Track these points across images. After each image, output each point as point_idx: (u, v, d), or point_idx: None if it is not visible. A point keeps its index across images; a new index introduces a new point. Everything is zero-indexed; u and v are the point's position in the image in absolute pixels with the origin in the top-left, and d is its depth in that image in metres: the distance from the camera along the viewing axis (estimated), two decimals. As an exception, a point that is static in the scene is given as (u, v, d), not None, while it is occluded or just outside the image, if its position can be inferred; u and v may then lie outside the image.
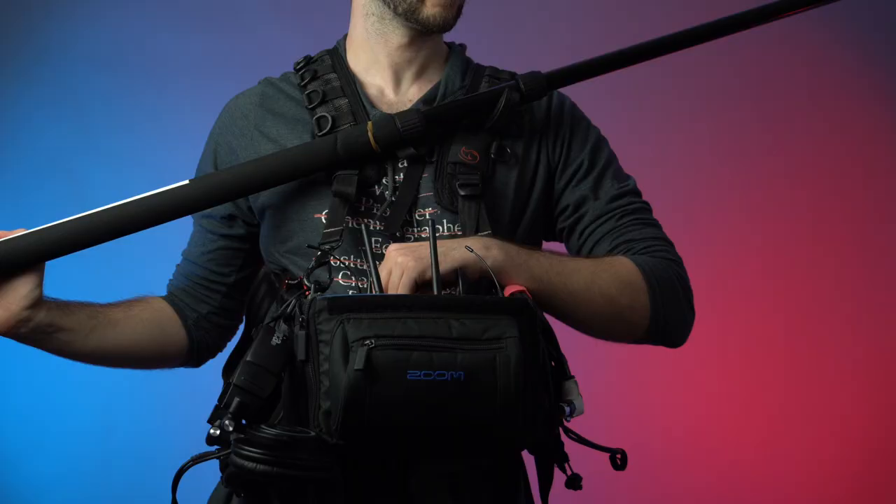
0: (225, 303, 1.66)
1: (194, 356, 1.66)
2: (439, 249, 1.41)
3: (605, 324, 1.55)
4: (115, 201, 3.18)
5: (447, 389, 1.31)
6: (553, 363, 1.44)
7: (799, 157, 3.26)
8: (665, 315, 1.56)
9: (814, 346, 3.20)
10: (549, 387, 1.42)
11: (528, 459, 1.53)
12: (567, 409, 1.42)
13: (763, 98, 3.28)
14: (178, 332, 1.63)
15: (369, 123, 1.52)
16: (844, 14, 3.26)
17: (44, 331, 1.52)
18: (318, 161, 1.51)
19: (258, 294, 1.60)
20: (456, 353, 1.31)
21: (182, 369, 2.92)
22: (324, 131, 1.55)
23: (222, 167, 1.61)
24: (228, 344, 1.71)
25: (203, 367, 1.72)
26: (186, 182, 1.49)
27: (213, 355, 1.70)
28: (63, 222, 1.49)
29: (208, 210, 1.62)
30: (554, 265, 1.50)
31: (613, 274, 1.53)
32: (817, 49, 3.26)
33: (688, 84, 3.21)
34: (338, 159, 1.51)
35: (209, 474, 1.46)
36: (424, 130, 1.51)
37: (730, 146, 3.21)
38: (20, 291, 1.49)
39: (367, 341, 1.30)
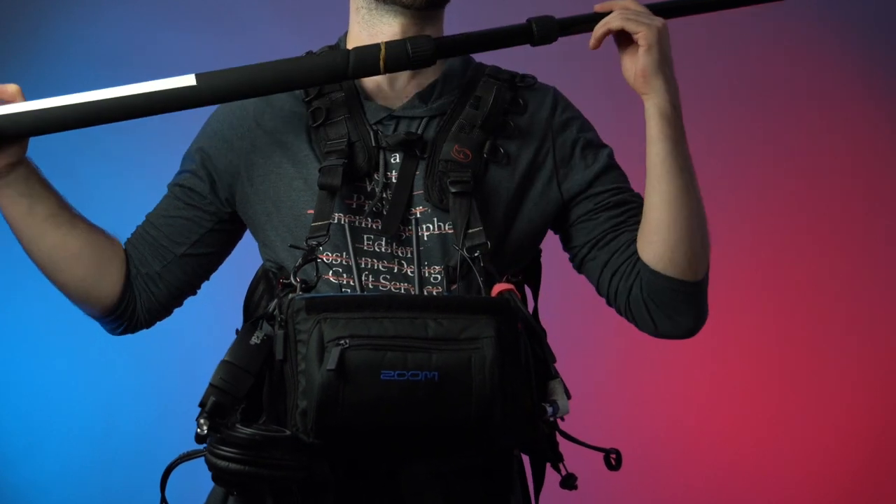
0: (165, 273, 1.63)
1: (119, 308, 1.62)
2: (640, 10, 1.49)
3: (692, 226, 1.52)
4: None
5: (421, 390, 1.32)
6: (536, 363, 1.44)
7: (797, 156, 3.26)
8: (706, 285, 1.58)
9: (812, 345, 3.21)
10: (531, 387, 1.42)
11: (527, 460, 1.53)
12: (550, 409, 1.43)
13: (762, 97, 3.29)
14: (120, 272, 1.60)
15: (383, 43, 1.51)
16: (844, 14, 3.26)
17: (15, 188, 1.51)
18: (331, 72, 1.51)
19: (256, 292, 1.60)
20: (431, 354, 1.33)
21: (181, 369, 2.94)
22: (317, 123, 1.56)
23: (206, 153, 1.62)
24: (210, 342, 1.68)
25: (204, 367, 1.71)
26: (193, 81, 1.50)
27: (132, 325, 1.65)
28: (57, 107, 1.48)
29: (184, 180, 1.63)
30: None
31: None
32: (817, 49, 3.26)
33: (686, 83, 3.20)
34: (346, 76, 1.52)
35: (207, 473, 1.46)
36: (433, 56, 1.51)
37: (728, 145, 3.21)
38: (2, 154, 1.49)
39: (342, 341, 1.32)
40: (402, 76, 1.60)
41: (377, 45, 1.49)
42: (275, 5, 3.17)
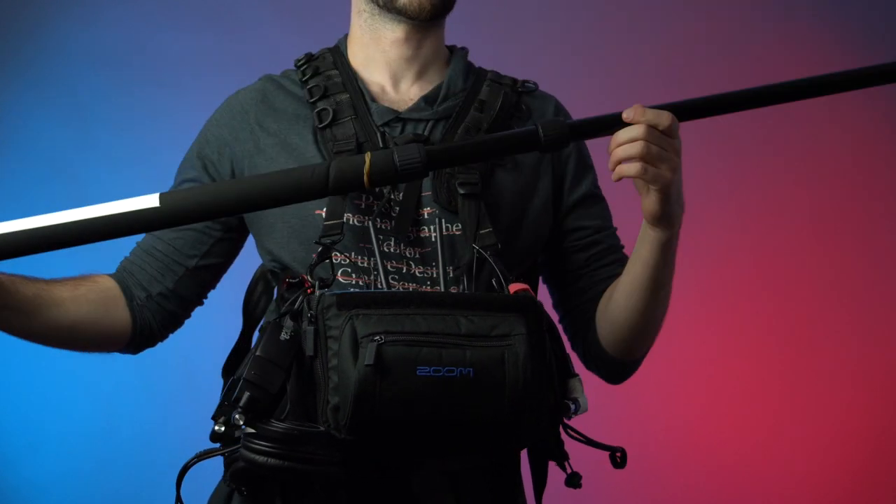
0: (179, 287, 1.62)
1: (136, 340, 1.61)
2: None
3: (649, 329, 1.56)
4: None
5: (456, 385, 1.33)
6: (558, 361, 1.46)
7: (798, 156, 3.26)
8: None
9: (812, 345, 3.20)
10: (553, 384, 1.43)
11: (523, 458, 1.54)
12: (572, 407, 1.45)
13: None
14: (123, 313, 1.59)
15: (368, 156, 1.37)
16: (844, 14, 3.26)
17: None
18: (307, 190, 1.38)
19: (255, 293, 1.59)
20: (465, 350, 1.34)
21: (181, 369, 2.94)
22: (324, 123, 1.55)
23: (209, 159, 1.61)
24: (210, 342, 1.68)
25: (203, 367, 1.71)
26: (157, 204, 1.36)
27: (152, 343, 1.65)
28: (15, 232, 1.36)
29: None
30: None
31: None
32: (817, 49, 3.26)
33: (685, 83, 3.21)
34: (328, 192, 1.39)
35: (208, 473, 1.46)
36: (423, 173, 1.39)
37: (727, 145, 3.21)
38: None
39: (377, 337, 1.32)
40: (405, 81, 1.60)
41: (361, 158, 1.36)
42: (275, 5, 3.17)
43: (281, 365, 1.39)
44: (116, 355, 3.02)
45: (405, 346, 1.33)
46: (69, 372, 3.04)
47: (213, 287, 1.68)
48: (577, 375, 1.47)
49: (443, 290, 1.46)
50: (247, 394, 1.37)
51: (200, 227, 1.61)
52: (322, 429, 1.34)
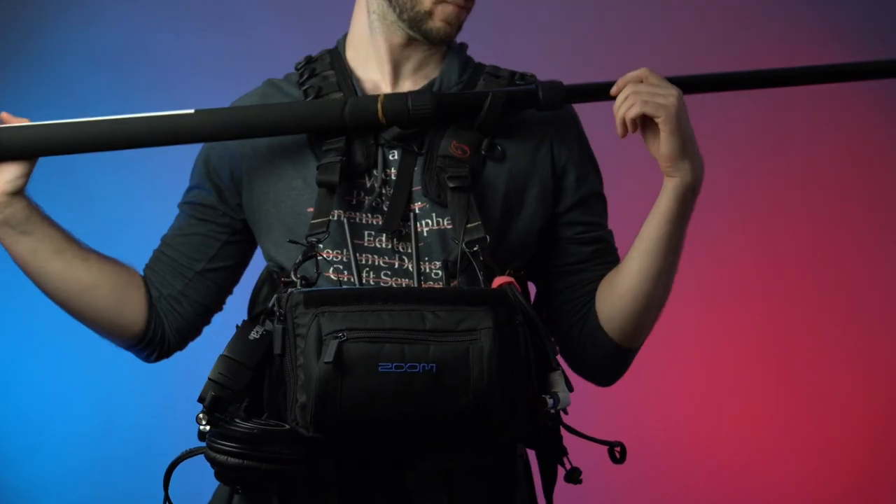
0: (188, 291, 1.63)
1: (148, 334, 1.62)
2: (659, 85, 1.47)
3: (654, 305, 1.55)
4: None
5: (419, 381, 1.33)
6: (538, 355, 1.44)
7: (797, 156, 3.26)
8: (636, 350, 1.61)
9: (812, 345, 3.20)
10: (531, 378, 1.42)
11: (535, 457, 1.54)
12: (550, 401, 1.43)
13: (761, 97, 3.28)
14: (140, 299, 1.61)
15: (381, 95, 1.52)
16: (845, 14, 3.26)
17: (16, 225, 1.53)
18: (322, 119, 1.53)
19: (260, 294, 1.60)
20: (429, 345, 1.34)
21: (181, 369, 2.94)
22: None
23: (211, 163, 1.63)
24: (212, 343, 1.68)
25: (205, 368, 1.71)
26: (192, 112, 1.52)
27: (166, 348, 1.65)
28: (64, 123, 1.55)
29: (193, 197, 1.64)
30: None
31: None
32: (817, 49, 3.26)
33: (686, 83, 3.21)
34: (343, 124, 1.52)
35: (207, 472, 1.46)
36: (433, 116, 1.51)
37: (727, 145, 3.21)
38: (5, 175, 1.52)
39: (340, 334, 1.33)
40: (402, 76, 1.61)
41: (375, 97, 1.52)
42: (275, 5, 3.17)
43: (247, 364, 1.41)
44: (116, 355, 3.01)
45: (367, 342, 1.33)
46: (69, 372, 3.04)
47: (230, 292, 1.69)
48: (558, 369, 1.45)
49: (416, 284, 1.47)
50: (210, 393, 1.40)
51: (205, 231, 1.63)
52: (287, 427, 1.35)
